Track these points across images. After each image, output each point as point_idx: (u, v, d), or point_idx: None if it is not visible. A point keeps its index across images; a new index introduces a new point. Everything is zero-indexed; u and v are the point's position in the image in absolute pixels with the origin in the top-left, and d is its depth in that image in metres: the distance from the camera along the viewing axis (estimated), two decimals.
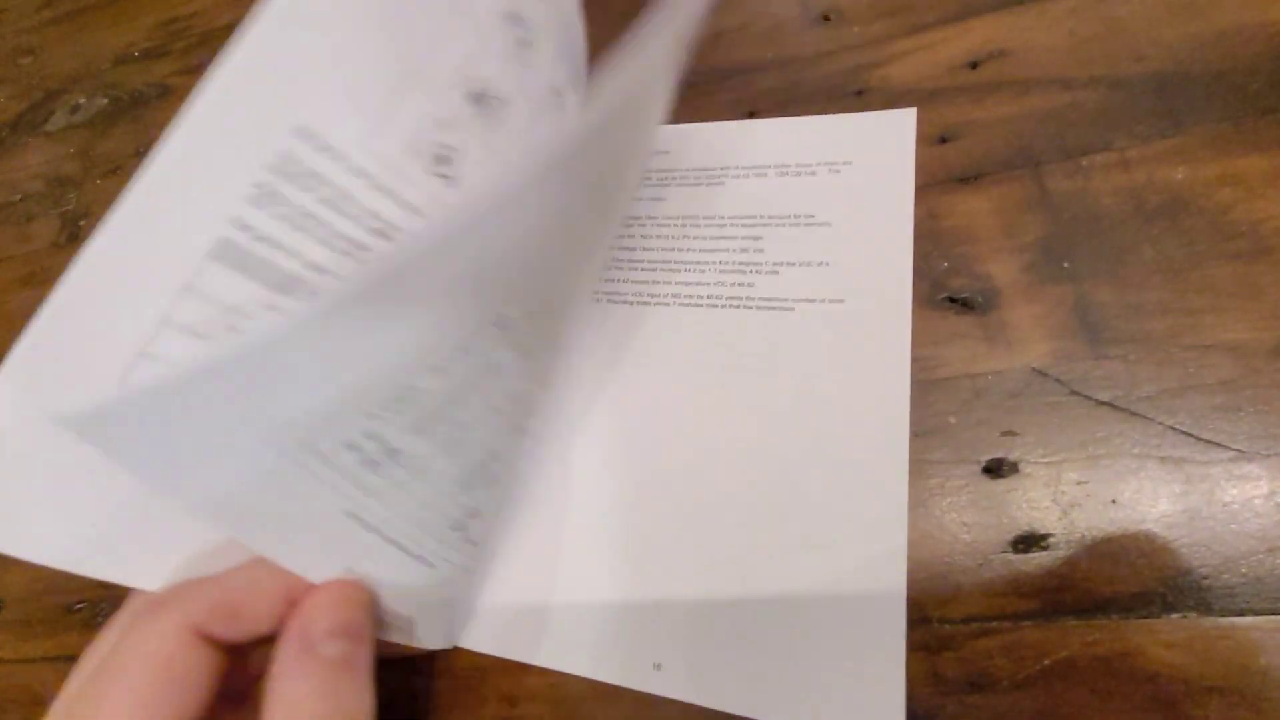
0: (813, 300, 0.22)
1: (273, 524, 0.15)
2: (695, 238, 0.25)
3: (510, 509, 0.22)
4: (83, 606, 0.26)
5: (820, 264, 0.23)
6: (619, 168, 0.16)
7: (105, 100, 0.41)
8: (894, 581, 0.19)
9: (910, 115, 0.24)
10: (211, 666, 0.15)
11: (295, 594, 0.15)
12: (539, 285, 0.15)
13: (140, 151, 0.38)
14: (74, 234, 0.37)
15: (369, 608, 0.16)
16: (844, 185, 0.24)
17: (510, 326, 0.15)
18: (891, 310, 0.22)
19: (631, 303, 0.25)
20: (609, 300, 0.25)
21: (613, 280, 0.25)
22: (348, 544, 0.16)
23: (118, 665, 0.14)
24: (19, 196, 0.40)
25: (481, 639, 0.21)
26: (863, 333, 0.22)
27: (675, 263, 0.25)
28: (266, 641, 0.16)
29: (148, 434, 0.12)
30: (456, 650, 0.22)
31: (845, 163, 0.24)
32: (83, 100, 0.42)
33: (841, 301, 0.22)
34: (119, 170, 0.38)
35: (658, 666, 0.20)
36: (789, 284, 0.23)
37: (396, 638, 0.19)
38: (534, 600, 0.21)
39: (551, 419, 0.22)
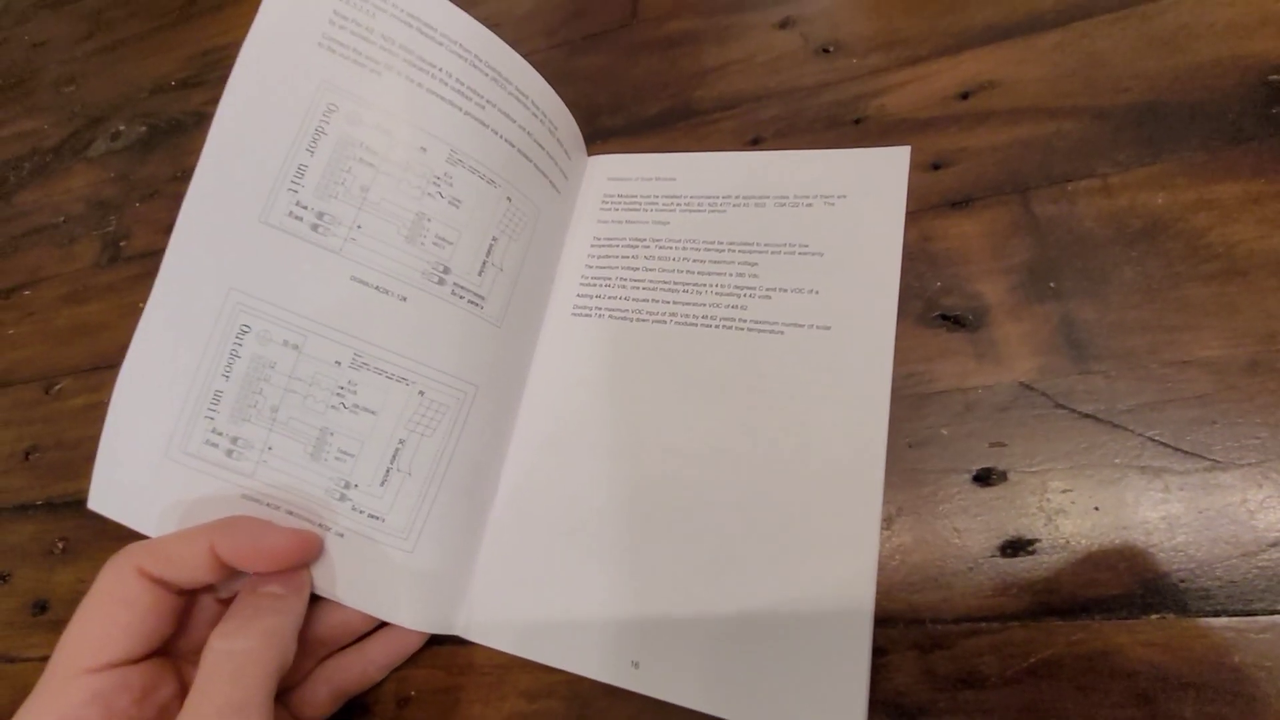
0: (801, 325, 0.24)
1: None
2: (695, 260, 0.26)
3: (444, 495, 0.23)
4: None
5: (810, 291, 0.24)
6: None
7: (144, 127, 0.44)
8: (863, 594, 0.20)
9: (904, 153, 0.25)
10: (161, 600, 0.19)
11: (218, 547, 0.19)
12: None
13: (177, 176, 0.41)
14: (114, 255, 0.39)
15: (306, 573, 0.21)
16: (838, 218, 0.25)
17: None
18: (875, 339, 0.23)
19: (631, 319, 0.26)
20: (610, 316, 0.26)
21: (614, 297, 0.27)
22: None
23: (89, 602, 0.19)
24: (62, 219, 0.42)
25: (474, 630, 0.23)
26: (846, 359, 0.23)
27: (674, 284, 0.26)
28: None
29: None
30: (478, 648, 0.23)
31: (840, 196, 0.26)
32: (123, 127, 0.45)
33: (828, 328, 0.24)
34: (157, 194, 0.40)
35: (635, 664, 0.21)
36: (780, 309, 0.24)
37: (380, 612, 0.22)
38: (524, 597, 0.23)
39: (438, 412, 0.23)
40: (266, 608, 0.20)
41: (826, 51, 0.29)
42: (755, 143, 0.29)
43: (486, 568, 0.24)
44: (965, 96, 0.26)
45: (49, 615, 0.29)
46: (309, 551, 0.21)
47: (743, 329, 0.24)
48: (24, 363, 0.37)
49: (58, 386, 0.35)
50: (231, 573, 0.20)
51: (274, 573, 0.21)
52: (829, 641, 0.20)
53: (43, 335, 0.38)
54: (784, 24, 0.31)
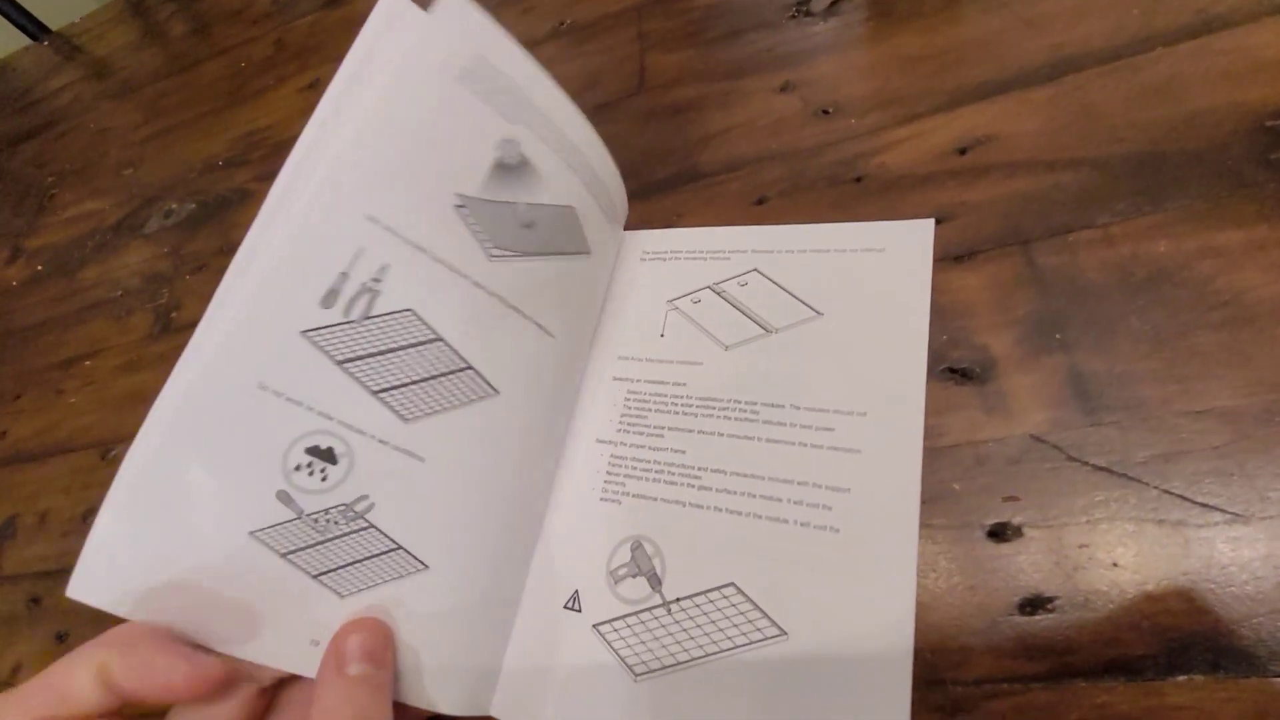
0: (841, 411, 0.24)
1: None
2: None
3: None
4: None
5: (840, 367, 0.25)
6: None
7: (194, 205, 0.47)
8: (901, 648, 0.20)
9: (928, 225, 0.26)
10: (106, 706, 0.17)
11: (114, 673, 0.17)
12: None
13: (224, 250, 0.43)
14: (166, 325, 0.42)
15: (389, 640, 0.20)
16: (866, 278, 0.26)
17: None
18: (905, 411, 0.23)
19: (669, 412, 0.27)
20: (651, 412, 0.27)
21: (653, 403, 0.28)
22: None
23: (27, 686, 0.17)
24: (120, 292, 0.45)
25: (506, 710, 0.23)
26: (880, 434, 0.23)
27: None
28: None
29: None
30: None
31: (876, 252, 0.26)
32: (174, 205, 0.48)
33: (864, 414, 0.24)
34: (205, 268, 0.43)
35: None
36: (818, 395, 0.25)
37: (418, 701, 0.21)
38: (551, 683, 0.23)
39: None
40: (367, 694, 0.18)
41: (826, 113, 0.30)
42: (760, 203, 0.30)
43: (518, 650, 0.24)
44: (963, 152, 0.27)
45: None
46: (205, 684, 0.18)
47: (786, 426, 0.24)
48: (83, 430, 0.40)
49: (113, 453, 0.38)
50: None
51: (357, 650, 0.19)
52: (866, 701, 0.19)
53: (100, 403, 0.40)
54: (784, 88, 0.32)
